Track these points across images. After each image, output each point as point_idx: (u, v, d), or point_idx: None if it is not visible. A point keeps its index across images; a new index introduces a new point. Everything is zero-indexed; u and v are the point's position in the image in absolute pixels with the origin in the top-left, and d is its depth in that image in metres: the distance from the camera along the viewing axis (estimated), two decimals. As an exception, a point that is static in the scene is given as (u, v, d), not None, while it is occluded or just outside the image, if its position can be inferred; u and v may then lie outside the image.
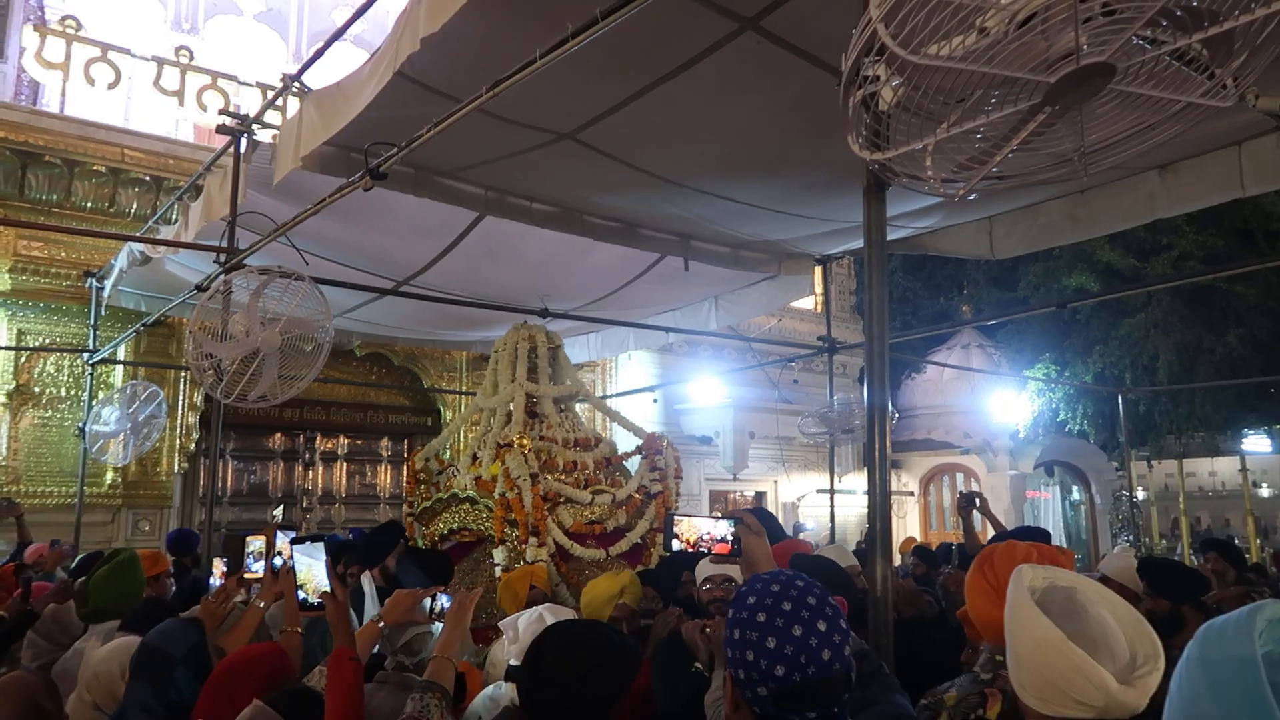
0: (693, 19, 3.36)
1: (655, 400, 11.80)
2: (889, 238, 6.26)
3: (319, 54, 5.06)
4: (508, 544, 4.89)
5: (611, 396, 10.98)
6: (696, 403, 12.59)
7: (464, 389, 11.05)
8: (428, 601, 2.78)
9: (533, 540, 4.76)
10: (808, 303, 13.57)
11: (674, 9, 3.22)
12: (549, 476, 5.02)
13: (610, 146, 4.57)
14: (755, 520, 2.31)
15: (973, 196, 2.14)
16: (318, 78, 5.47)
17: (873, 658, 2.00)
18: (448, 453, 8.46)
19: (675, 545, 2.39)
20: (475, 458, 5.34)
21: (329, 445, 10.97)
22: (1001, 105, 1.45)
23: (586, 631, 2.06)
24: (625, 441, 6.15)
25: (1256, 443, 18.99)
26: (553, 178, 5.05)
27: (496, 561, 4.81)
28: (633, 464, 5.80)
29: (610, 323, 7.93)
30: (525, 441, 5.03)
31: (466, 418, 6.36)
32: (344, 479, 11.03)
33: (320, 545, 3.04)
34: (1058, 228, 5.73)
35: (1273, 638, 1.06)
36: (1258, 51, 1.39)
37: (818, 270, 7.87)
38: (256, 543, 3.65)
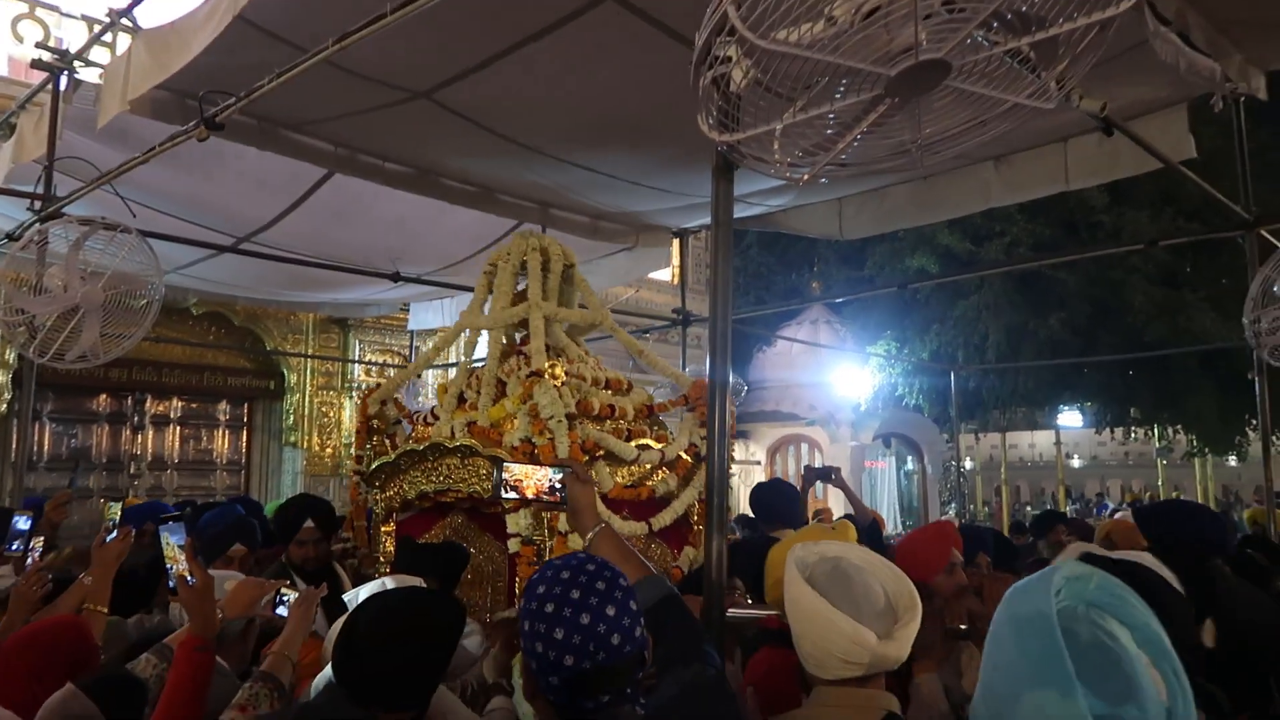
0: (553, -17, 3.30)
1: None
2: (743, 214, 6.39)
3: (151, -12, 4.71)
4: (529, 510, 3.56)
5: (452, 365, 10.77)
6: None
7: (309, 352, 10.65)
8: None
9: None
10: (666, 274, 13.72)
11: (533, -29, 3.15)
12: (585, 422, 3.85)
13: (468, 109, 4.46)
14: (583, 468, 2.31)
15: (823, 181, 2.19)
16: (150, 14, 5.07)
17: (677, 614, 1.90)
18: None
19: (509, 494, 2.31)
20: (462, 398, 4.16)
21: (161, 408, 10.37)
22: (846, 94, 1.49)
23: (405, 602, 1.99)
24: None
25: (1070, 418, 20.55)
26: (407, 137, 4.88)
27: (513, 532, 3.55)
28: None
29: (465, 289, 7.78)
30: (559, 371, 3.91)
31: (438, 350, 4.87)
32: (177, 444, 10.46)
33: (181, 525, 2.86)
34: (902, 211, 6.00)
35: (1069, 594, 1.19)
36: (1079, 58, 1.48)
37: (675, 243, 7.96)
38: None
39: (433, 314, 9.36)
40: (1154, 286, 13.18)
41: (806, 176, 1.65)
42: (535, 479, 2.30)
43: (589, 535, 2.16)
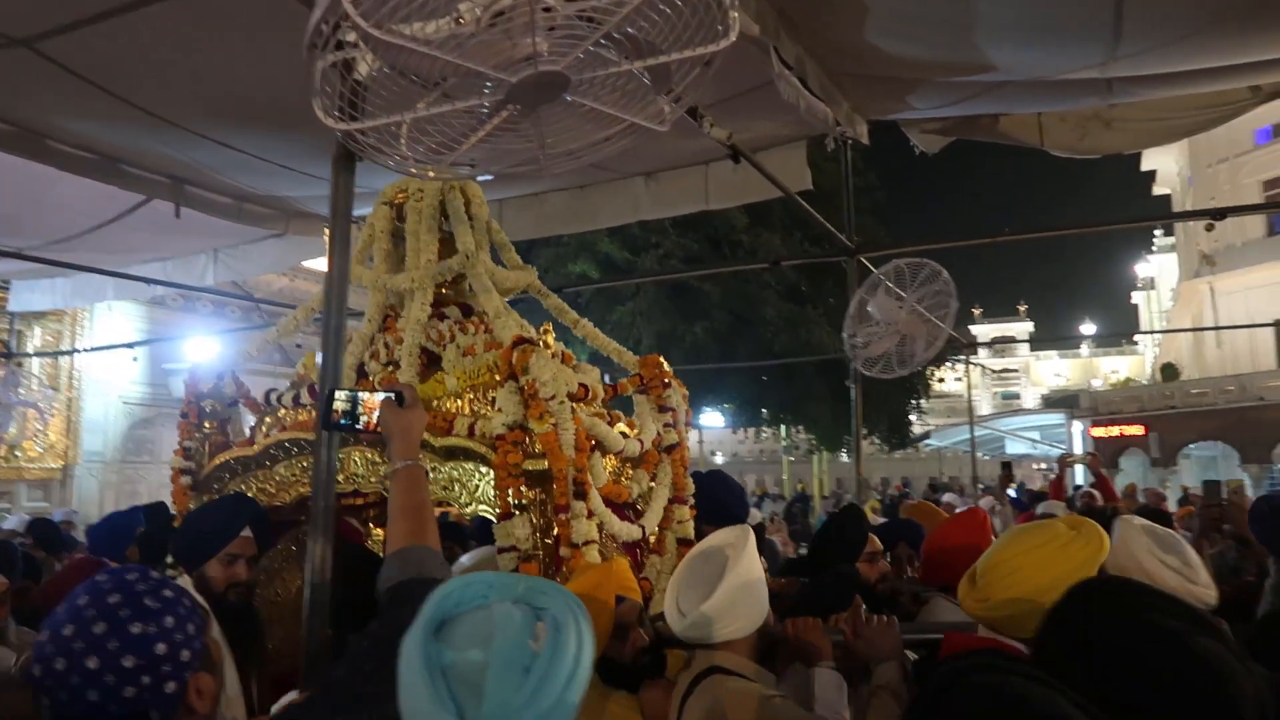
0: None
1: (135, 359, 10.50)
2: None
3: None
4: (529, 514, 2.70)
5: (80, 352, 9.54)
6: (192, 363, 11.48)
7: None
8: None
9: (578, 507, 2.71)
10: (323, 264, 13.05)
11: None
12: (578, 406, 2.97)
13: (84, 67, 3.91)
14: (412, 392, 2.03)
15: (487, 178, 2.17)
16: None
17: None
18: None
19: (353, 425, 1.98)
20: (363, 371, 3.25)
21: None
22: (471, 96, 1.49)
23: None
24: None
25: (712, 419, 22.39)
26: (4, 91, 4.20)
27: (506, 546, 2.67)
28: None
29: (79, 268, 6.87)
30: (551, 340, 3.24)
31: (311, 310, 3.64)
32: None
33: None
34: (560, 217, 6.17)
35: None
36: (690, 86, 1.59)
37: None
38: None
39: (41, 294, 8.16)
40: (783, 302, 14.79)
41: (432, 175, 1.62)
42: (371, 407, 1.99)
43: (394, 466, 1.89)
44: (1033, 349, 75.85)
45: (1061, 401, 38.07)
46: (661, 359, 3.55)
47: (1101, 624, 1.22)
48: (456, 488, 2.83)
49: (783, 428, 21.21)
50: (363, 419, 1.98)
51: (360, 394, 2.00)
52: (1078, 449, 27.56)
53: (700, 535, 3.13)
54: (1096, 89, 4.32)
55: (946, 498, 13.38)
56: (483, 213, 3.54)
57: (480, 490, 2.79)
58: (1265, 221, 29.88)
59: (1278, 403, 25.37)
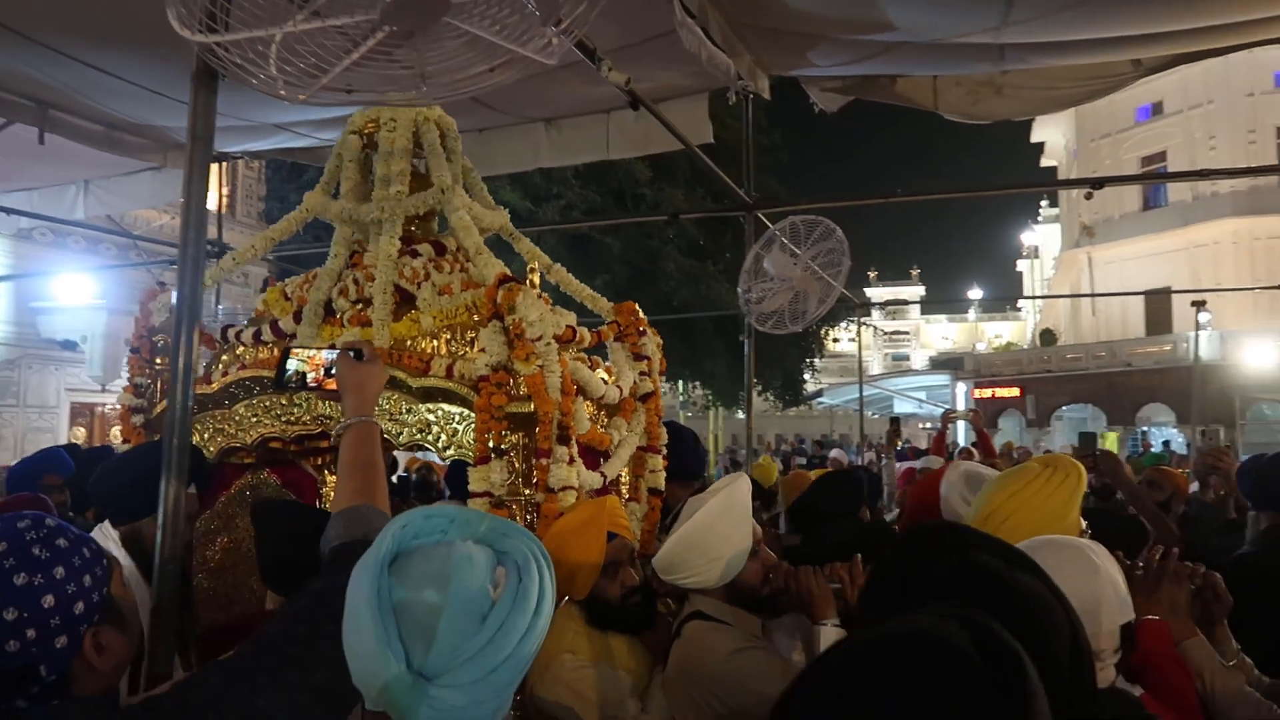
0: None
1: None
2: (291, 144, 5.98)
3: None
4: (511, 457, 2.61)
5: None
6: (61, 301, 10.83)
7: None
8: None
9: (560, 452, 2.61)
10: (209, 200, 12.44)
11: None
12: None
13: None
14: (371, 348, 1.93)
15: (348, 108, 2.06)
16: None
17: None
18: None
19: (306, 386, 1.94)
20: (330, 308, 3.03)
21: None
22: (342, 13, 1.40)
23: None
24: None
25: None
26: None
27: (480, 490, 2.56)
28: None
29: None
30: (538, 278, 3.16)
31: (271, 240, 3.53)
32: None
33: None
34: (456, 161, 6.01)
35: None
36: (580, 18, 1.54)
37: (215, 168, 7.22)
38: None
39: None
40: (683, 257, 14.83)
41: (303, 97, 1.53)
42: (320, 364, 1.93)
43: (346, 422, 1.79)
44: (923, 312, 78.51)
45: (947, 363, 39.64)
46: (636, 306, 3.51)
47: (927, 567, 1.25)
48: (435, 429, 2.71)
49: (680, 383, 21.44)
50: (309, 376, 1.94)
51: (317, 351, 1.96)
52: (961, 409, 28.81)
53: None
54: (990, 55, 4.41)
55: (834, 454, 13.81)
56: (457, 147, 3.37)
57: (460, 435, 2.67)
58: (1141, 195, 31.43)
59: (1143, 369, 26.97)
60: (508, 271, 2.82)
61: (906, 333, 77.47)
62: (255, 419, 2.96)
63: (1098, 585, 1.65)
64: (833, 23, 4.14)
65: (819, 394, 38.33)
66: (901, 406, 37.74)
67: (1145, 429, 27.73)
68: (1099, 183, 6.12)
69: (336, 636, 1.18)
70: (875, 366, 62.33)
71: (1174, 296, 25.78)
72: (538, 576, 1.17)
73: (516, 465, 2.57)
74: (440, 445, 2.71)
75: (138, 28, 4.09)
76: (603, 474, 2.93)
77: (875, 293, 67.90)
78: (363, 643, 1.10)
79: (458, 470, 4.25)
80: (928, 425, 39.73)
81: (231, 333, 3.21)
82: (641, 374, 3.37)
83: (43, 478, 4.52)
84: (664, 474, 3.36)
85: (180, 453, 1.81)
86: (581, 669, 2.22)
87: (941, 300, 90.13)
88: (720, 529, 2.25)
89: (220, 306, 7.64)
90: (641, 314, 3.47)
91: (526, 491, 2.58)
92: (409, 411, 2.70)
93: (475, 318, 2.76)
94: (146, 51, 4.34)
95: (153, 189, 6.84)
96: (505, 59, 1.50)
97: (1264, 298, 24.53)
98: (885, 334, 74.58)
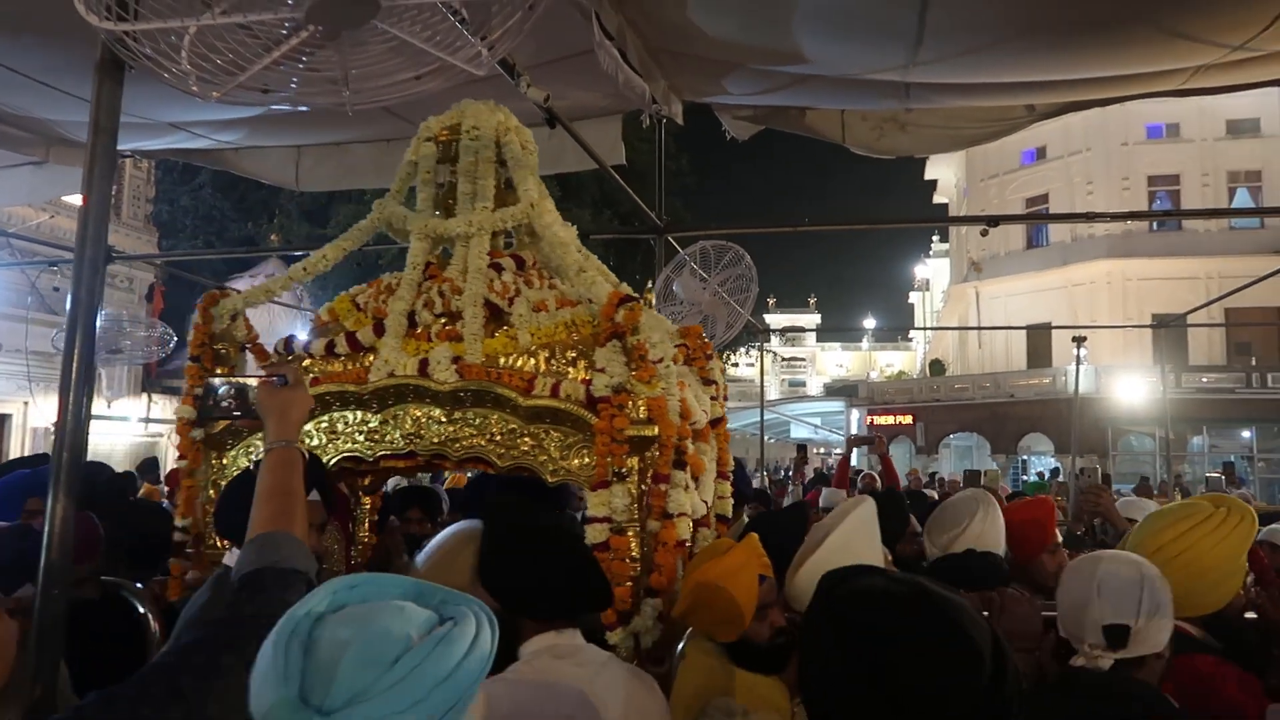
0: None
1: None
2: (186, 145, 5.74)
3: None
4: (627, 485, 2.47)
5: None
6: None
7: None
8: None
9: (678, 477, 2.52)
10: (92, 202, 11.86)
11: None
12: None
13: None
14: (295, 373, 1.86)
15: (257, 109, 1.96)
16: None
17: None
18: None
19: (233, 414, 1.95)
20: (413, 320, 2.86)
21: None
22: (264, 10, 1.34)
23: None
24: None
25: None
26: None
27: (601, 516, 2.44)
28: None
29: None
30: (653, 298, 2.88)
31: (343, 250, 3.28)
32: None
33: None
34: (362, 170, 5.87)
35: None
36: (511, 31, 1.51)
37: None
38: None
39: None
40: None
41: (217, 95, 1.45)
42: (240, 393, 1.92)
43: (267, 446, 1.72)
44: (819, 340, 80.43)
45: (842, 390, 40.67)
46: (701, 329, 3.41)
47: (846, 609, 1.25)
48: (541, 452, 2.59)
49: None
50: (226, 405, 1.92)
51: (240, 381, 1.94)
52: (858, 433, 29.52)
53: None
54: (896, 92, 4.56)
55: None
56: (534, 161, 3.25)
57: (569, 457, 2.56)
58: (1025, 234, 32.97)
59: (1025, 400, 28.18)
60: (628, 290, 2.74)
61: (803, 359, 79.21)
62: (340, 433, 2.81)
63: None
64: (748, 51, 4.21)
65: (718, 417, 38.68)
66: (798, 431, 38.51)
67: (1025, 457, 28.96)
68: (994, 221, 6.39)
69: (234, 669, 1.11)
70: (773, 392, 63.47)
71: (1054, 331, 27.13)
72: (473, 630, 1.11)
73: (633, 490, 2.47)
74: (549, 469, 2.59)
75: (29, 12, 3.86)
76: (705, 501, 2.81)
77: (774, 319, 69.27)
78: (260, 665, 1.06)
79: (478, 485, 4.10)
80: (821, 450, 40.63)
81: (298, 345, 3.07)
82: (711, 399, 3.24)
83: (25, 503, 3.84)
84: (731, 500, 3.35)
85: (71, 467, 1.68)
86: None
87: (837, 329, 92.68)
88: (855, 550, 2.23)
89: (103, 312, 7.25)
90: (706, 338, 3.36)
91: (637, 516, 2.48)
92: (516, 431, 2.59)
93: (574, 336, 2.68)
94: (37, 38, 4.10)
95: (32, 185, 6.47)
96: (433, 67, 1.46)
97: (1133, 335, 25.95)
98: (783, 360, 76.05)
